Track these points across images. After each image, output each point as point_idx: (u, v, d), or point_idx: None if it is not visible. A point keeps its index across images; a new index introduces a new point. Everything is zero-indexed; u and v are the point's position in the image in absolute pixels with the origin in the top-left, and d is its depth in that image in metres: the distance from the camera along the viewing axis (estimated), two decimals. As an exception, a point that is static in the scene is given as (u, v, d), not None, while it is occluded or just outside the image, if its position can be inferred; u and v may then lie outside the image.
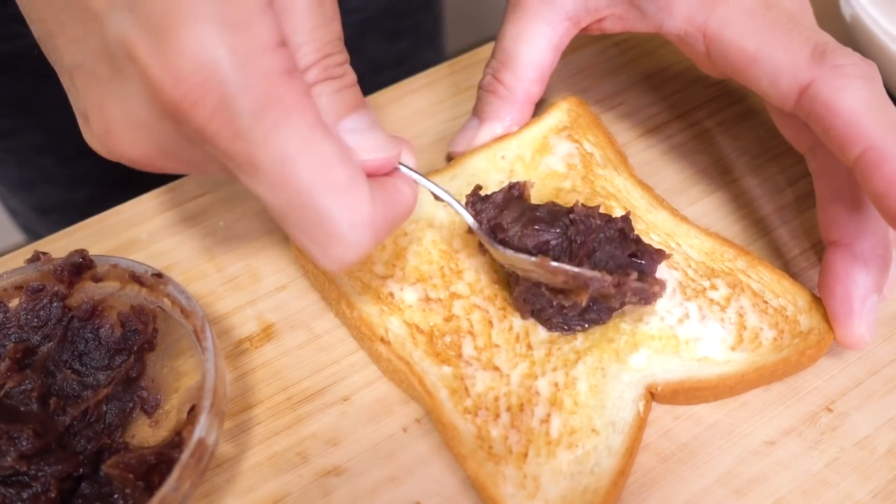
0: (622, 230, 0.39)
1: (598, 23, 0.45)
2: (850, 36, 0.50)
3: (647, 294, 0.37)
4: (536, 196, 0.45)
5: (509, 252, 0.38)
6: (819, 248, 0.44)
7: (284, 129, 0.29)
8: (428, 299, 0.41)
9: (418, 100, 0.53)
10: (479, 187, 0.41)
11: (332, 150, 0.30)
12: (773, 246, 0.44)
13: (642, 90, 0.53)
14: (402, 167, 0.35)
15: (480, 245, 0.42)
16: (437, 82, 0.54)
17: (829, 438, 0.37)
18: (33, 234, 0.81)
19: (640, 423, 0.36)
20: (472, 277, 0.42)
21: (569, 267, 0.37)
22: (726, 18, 0.39)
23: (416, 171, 0.36)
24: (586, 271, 0.36)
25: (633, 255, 0.39)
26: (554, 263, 0.37)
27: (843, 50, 0.36)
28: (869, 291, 0.38)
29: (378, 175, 0.34)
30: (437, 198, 0.38)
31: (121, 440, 0.37)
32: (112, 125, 0.31)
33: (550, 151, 0.47)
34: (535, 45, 0.45)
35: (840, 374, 0.39)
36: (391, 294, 0.41)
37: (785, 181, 0.47)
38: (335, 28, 0.34)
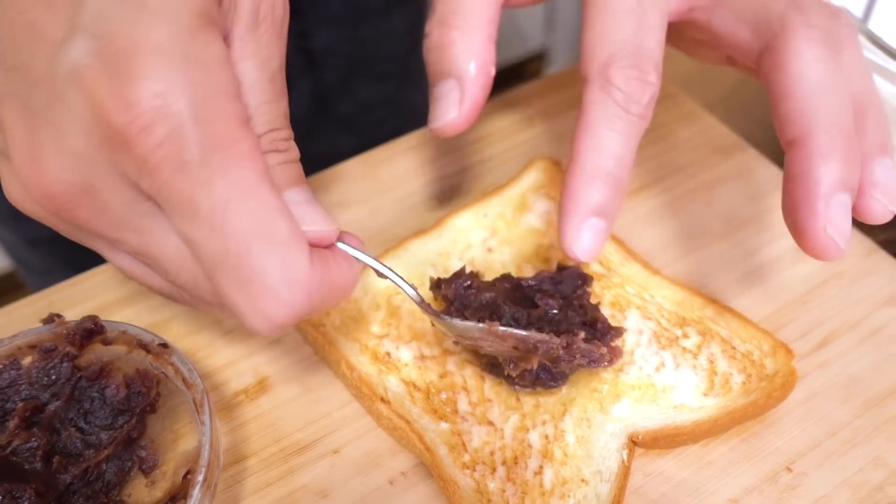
0: (582, 305, 0.42)
1: None
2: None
3: (595, 356, 0.39)
4: (517, 252, 0.48)
5: (457, 321, 0.39)
6: (789, 309, 0.47)
7: (233, 174, 0.28)
8: (423, 357, 0.43)
9: (407, 160, 0.55)
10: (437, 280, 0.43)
11: (276, 204, 0.29)
12: (740, 309, 0.46)
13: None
14: (342, 245, 0.35)
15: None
16: (426, 143, 0.56)
17: (788, 497, 0.39)
18: (25, 266, 0.82)
19: (625, 471, 0.39)
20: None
21: (516, 331, 0.38)
22: None
23: (357, 249, 0.35)
24: (534, 334, 0.38)
25: (590, 323, 0.41)
26: (501, 328, 0.38)
27: (818, 7, 0.36)
28: (833, 189, 0.35)
29: (318, 247, 0.33)
30: (380, 274, 0.38)
31: (118, 499, 0.38)
32: (40, 154, 0.29)
33: (529, 209, 0.50)
34: None
35: (800, 434, 0.42)
36: (388, 353, 0.43)
37: (755, 246, 0.50)
38: (283, 105, 0.34)
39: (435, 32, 0.41)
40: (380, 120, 0.84)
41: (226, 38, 0.32)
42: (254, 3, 0.32)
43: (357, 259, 0.35)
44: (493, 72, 0.41)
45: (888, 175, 0.37)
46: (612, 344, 0.41)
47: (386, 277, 0.38)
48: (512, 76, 2.04)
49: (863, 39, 0.44)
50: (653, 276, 0.47)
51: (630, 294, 0.46)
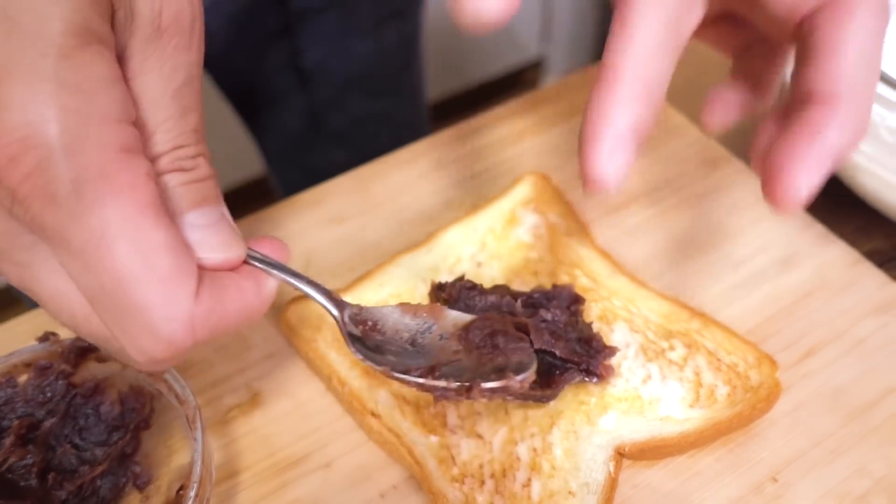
0: (574, 313, 0.43)
1: None
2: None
3: (541, 398, 0.40)
4: (507, 267, 0.49)
5: (359, 356, 0.36)
6: (774, 320, 0.47)
7: (108, 207, 0.27)
8: (413, 370, 0.43)
9: (401, 174, 0.56)
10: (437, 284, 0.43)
11: (159, 237, 0.28)
12: (726, 322, 0.47)
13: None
14: (254, 262, 0.33)
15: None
16: (420, 158, 0.57)
17: (773, 508, 0.40)
18: None
19: (612, 483, 0.39)
20: (452, 347, 0.45)
21: (411, 378, 0.35)
22: None
23: (270, 262, 0.33)
24: (429, 381, 0.35)
25: (585, 341, 0.42)
26: (398, 374, 0.35)
27: None
28: (833, 153, 0.34)
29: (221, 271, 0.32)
30: (297, 288, 0.35)
31: (112, 515, 0.38)
32: None
33: (518, 223, 0.51)
34: None
35: (785, 445, 0.42)
36: (378, 366, 0.44)
37: (741, 258, 0.51)
38: (192, 119, 0.32)
39: None
40: (373, 135, 0.85)
41: (122, 53, 0.30)
42: (153, 13, 0.30)
43: (271, 273, 0.33)
44: None
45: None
46: (606, 363, 0.42)
47: (303, 292, 0.36)
48: (508, 85, 2.05)
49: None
50: (639, 288, 0.47)
51: (617, 307, 0.46)
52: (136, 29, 0.30)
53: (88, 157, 0.27)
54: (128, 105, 0.29)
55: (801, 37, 0.36)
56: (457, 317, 0.39)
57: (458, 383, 0.35)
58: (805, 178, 0.34)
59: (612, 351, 0.42)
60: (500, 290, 0.44)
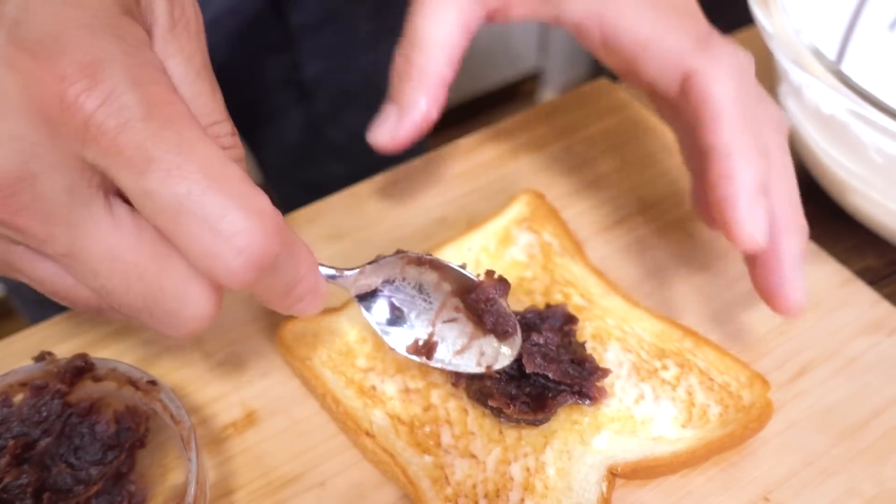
0: (567, 334, 0.43)
1: (504, 9, 0.46)
2: (791, 143, 0.55)
3: (533, 422, 0.41)
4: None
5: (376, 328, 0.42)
6: (766, 340, 0.48)
7: (177, 125, 0.29)
8: (407, 390, 0.44)
9: (394, 192, 0.56)
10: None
11: (222, 152, 0.31)
12: (719, 340, 0.47)
13: (602, 188, 0.57)
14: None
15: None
16: (415, 174, 0.58)
17: (766, 527, 0.40)
18: (18, 295, 0.83)
19: (605, 503, 0.40)
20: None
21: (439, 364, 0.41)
22: (620, 8, 0.42)
23: None
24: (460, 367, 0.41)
25: (578, 362, 0.42)
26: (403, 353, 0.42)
27: (723, 40, 0.41)
28: (752, 188, 0.39)
29: None
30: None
31: (108, 533, 0.38)
32: None
33: (513, 242, 0.51)
34: (443, 25, 0.44)
35: (777, 464, 0.42)
36: (373, 387, 0.44)
37: (733, 277, 0.51)
38: (220, 97, 0.35)
39: (398, 60, 0.45)
40: (372, 148, 0.85)
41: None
42: (168, 5, 0.33)
43: None
44: (434, 115, 0.45)
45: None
46: (598, 385, 0.42)
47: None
48: (506, 97, 2.06)
49: (835, 82, 0.45)
50: (633, 308, 0.48)
51: (611, 326, 0.47)
52: (156, 19, 0.33)
53: (150, 89, 0.29)
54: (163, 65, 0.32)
55: (684, 102, 0.41)
56: (458, 273, 0.42)
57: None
58: (748, 221, 0.39)
59: (604, 373, 0.42)
60: None
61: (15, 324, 0.48)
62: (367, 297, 0.42)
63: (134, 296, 0.31)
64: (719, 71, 0.40)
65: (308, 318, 0.46)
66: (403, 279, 0.42)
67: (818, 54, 0.47)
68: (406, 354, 0.42)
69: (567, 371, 0.41)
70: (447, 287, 0.42)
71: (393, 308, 0.42)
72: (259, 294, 0.33)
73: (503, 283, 0.42)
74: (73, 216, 0.30)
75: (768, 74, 0.56)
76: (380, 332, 0.42)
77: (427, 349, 0.42)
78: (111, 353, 0.47)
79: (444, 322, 0.42)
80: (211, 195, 0.29)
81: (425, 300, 0.42)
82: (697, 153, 0.43)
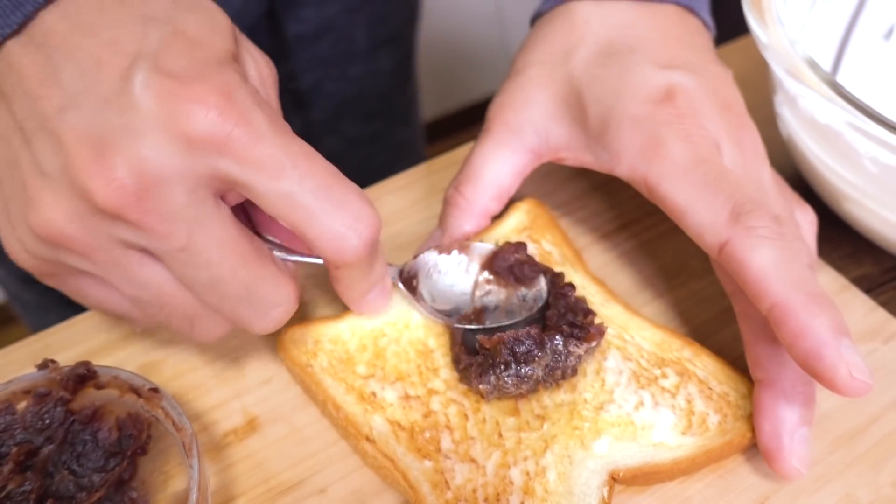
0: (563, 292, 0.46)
1: (557, 160, 0.49)
2: (788, 151, 0.56)
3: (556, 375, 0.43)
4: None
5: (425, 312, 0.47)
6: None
7: (296, 140, 0.36)
8: (407, 397, 0.44)
9: (396, 200, 0.57)
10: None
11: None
12: (717, 346, 0.48)
13: (601, 195, 0.57)
14: (276, 249, 0.41)
15: (453, 352, 0.45)
16: (414, 184, 0.58)
17: (762, 533, 0.41)
18: (19, 301, 0.83)
19: (605, 509, 0.40)
20: (447, 374, 0.45)
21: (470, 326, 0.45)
22: (661, 173, 0.43)
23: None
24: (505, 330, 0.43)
25: (571, 324, 0.44)
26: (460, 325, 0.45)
27: (759, 211, 0.40)
28: (796, 426, 0.41)
29: None
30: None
31: (110, 539, 0.39)
32: (111, 154, 0.32)
33: (513, 250, 0.51)
34: (497, 167, 0.49)
35: (773, 472, 0.42)
36: (373, 393, 0.44)
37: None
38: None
39: (450, 191, 0.50)
40: (368, 156, 0.86)
41: None
42: (255, 64, 0.40)
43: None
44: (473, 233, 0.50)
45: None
46: (596, 321, 0.44)
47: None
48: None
49: (830, 92, 0.46)
50: (633, 317, 0.48)
51: (611, 335, 0.47)
52: (247, 71, 0.39)
53: (268, 110, 0.35)
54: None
55: (726, 265, 0.41)
56: (481, 248, 0.48)
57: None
58: (784, 460, 0.41)
59: (594, 314, 0.44)
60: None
61: (16, 329, 0.49)
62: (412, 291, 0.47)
63: (239, 283, 0.36)
64: (753, 241, 0.39)
65: (308, 325, 0.46)
66: (438, 271, 0.47)
67: (813, 65, 0.47)
68: (464, 326, 0.45)
69: (560, 313, 0.44)
70: (475, 266, 0.47)
71: (433, 297, 0.47)
72: (348, 285, 0.41)
73: (521, 244, 0.48)
74: (191, 214, 0.34)
75: (764, 84, 0.56)
76: (437, 316, 0.46)
77: (476, 315, 0.46)
78: (113, 360, 0.47)
79: (482, 296, 0.47)
80: (337, 189, 0.36)
81: (460, 281, 0.47)
82: (755, 318, 0.43)
